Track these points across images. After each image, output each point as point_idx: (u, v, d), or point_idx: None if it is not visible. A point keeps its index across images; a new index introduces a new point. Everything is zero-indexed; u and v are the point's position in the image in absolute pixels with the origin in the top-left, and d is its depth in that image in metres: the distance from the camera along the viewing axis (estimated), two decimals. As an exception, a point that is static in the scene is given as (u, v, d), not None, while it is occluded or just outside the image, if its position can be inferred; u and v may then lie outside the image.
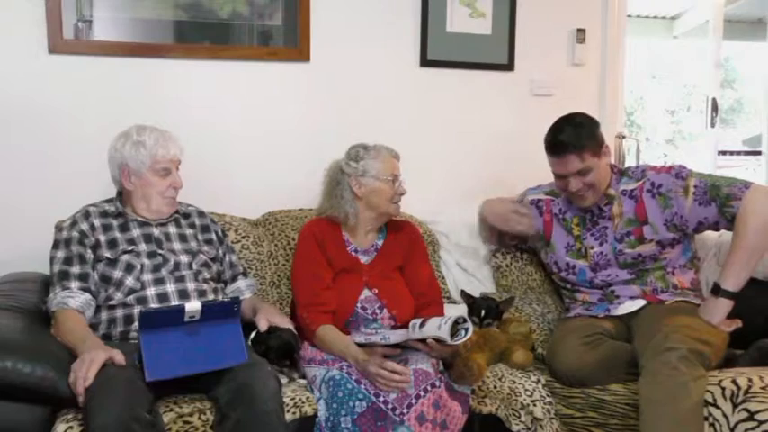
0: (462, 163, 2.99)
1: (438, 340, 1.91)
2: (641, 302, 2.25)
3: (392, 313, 2.15)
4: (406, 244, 2.30)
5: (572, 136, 2.20)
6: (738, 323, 2.08)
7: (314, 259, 2.17)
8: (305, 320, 2.08)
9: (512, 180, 2.80)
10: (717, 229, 2.24)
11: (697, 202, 2.16)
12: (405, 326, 2.05)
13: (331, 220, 2.25)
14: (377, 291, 2.17)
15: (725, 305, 2.07)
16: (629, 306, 2.26)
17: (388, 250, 2.26)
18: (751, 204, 2.07)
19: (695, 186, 2.17)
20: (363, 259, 2.23)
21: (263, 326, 2.00)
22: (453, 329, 1.87)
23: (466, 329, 1.90)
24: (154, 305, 1.95)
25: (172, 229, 2.13)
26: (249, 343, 1.99)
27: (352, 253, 2.23)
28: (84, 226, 2.02)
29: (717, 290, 2.08)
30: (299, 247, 2.23)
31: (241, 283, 2.21)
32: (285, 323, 2.04)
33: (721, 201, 2.12)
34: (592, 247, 2.33)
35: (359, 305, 2.14)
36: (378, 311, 2.15)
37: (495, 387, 2.07)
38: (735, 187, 2.12)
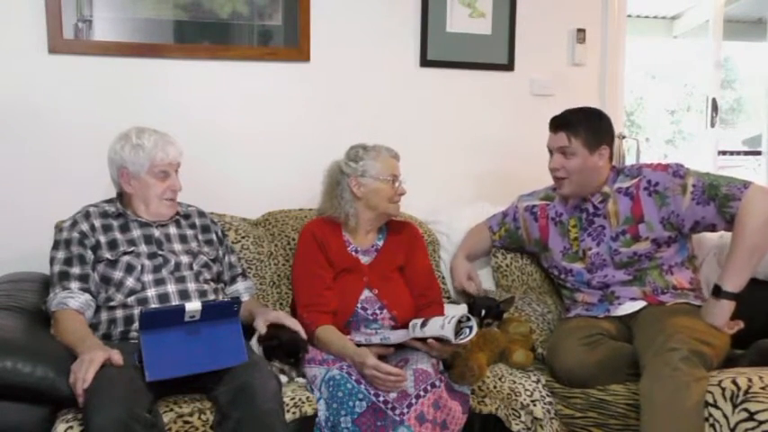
0: (462, 163, 2.99)
1: (440, 339, 1.91)
2: (641, 303, 2.24)
3: (392, 314, 2.15)
4: (407, 244, 2.30)
5: (573, 117, 2.26)
6: (741, 324, 2.07)
7: (314, 259, 2.17)
8: (305, 320, 2.07)
9: (512, 180, 2.80)
10: (714, 230, 2.21)
11: (695, 201, 2.15)
12: (405, 326, 2.05)
13: (331, 221, 2.25)
14: (377, 291, 2.17)
15: (727, 307, 2.06)
16: (628, 307, 2.25)
17: (389, 250, 2.26)
18: (750, 204, 2.06)
19: (693, 185, 2.16)
20: (364, 259, 2.23)
21: (261, 327, 1.99)
22: (457, 328, 1.87)
23: (470, 328, 1.89)
24: (154, 306, 1.95)
25: (172, 230, 2.12)
26: (256, 339, 1.99)
27: (353, 253, 2.23)
28: (85, 227, 2.01)
29: (718, 291, 2.07)
30: (300, 247, 2.23)
31: (240, 285, 2.20)
32: (294, 324, 2.02)
33: (720, 201, 2.10)
34: (590, 249, 2.31)
35: (359, 305, 2.14)
36: (378, 312, 2.15)
37: (495, 387, 2.07)
38: (734, 187, 2.10)
